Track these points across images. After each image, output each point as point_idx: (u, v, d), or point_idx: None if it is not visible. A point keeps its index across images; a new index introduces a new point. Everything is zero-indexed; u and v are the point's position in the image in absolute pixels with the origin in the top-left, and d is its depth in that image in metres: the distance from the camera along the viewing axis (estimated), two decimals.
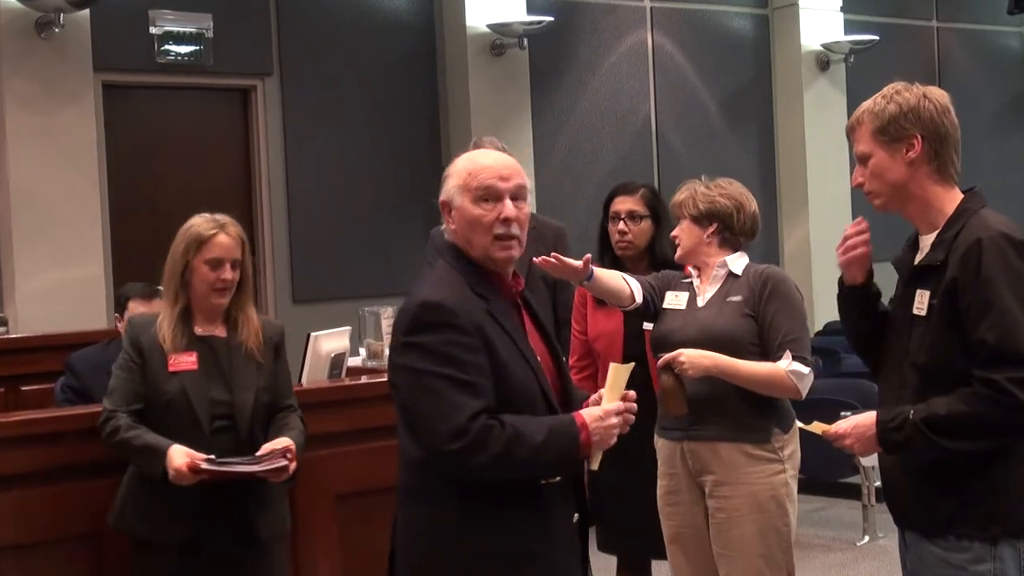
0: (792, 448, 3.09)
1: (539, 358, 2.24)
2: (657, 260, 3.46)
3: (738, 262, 3.16)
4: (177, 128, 6.81)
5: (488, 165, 2.25)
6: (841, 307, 2.47)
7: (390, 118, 7.40)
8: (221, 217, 2.98)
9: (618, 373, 2.26)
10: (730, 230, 3.17)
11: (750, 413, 3.03)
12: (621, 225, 3.51)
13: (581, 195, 8.00)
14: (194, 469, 2.72)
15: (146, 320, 2.96)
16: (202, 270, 2.92)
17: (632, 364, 2.31)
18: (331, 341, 3.76)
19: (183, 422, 2.83)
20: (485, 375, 2.12)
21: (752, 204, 3.21)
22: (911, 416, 2.22)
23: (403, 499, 2.25)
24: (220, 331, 2.95)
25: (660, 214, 3.50)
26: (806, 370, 3.00)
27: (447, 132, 7.59)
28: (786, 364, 3.00)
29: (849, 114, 2.41)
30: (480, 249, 2.23)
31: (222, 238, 2.93)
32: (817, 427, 2.40)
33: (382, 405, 3.15)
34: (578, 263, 3.01)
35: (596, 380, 3.52)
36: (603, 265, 3.59)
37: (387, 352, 4.23)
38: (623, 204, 3.52)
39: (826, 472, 5.63)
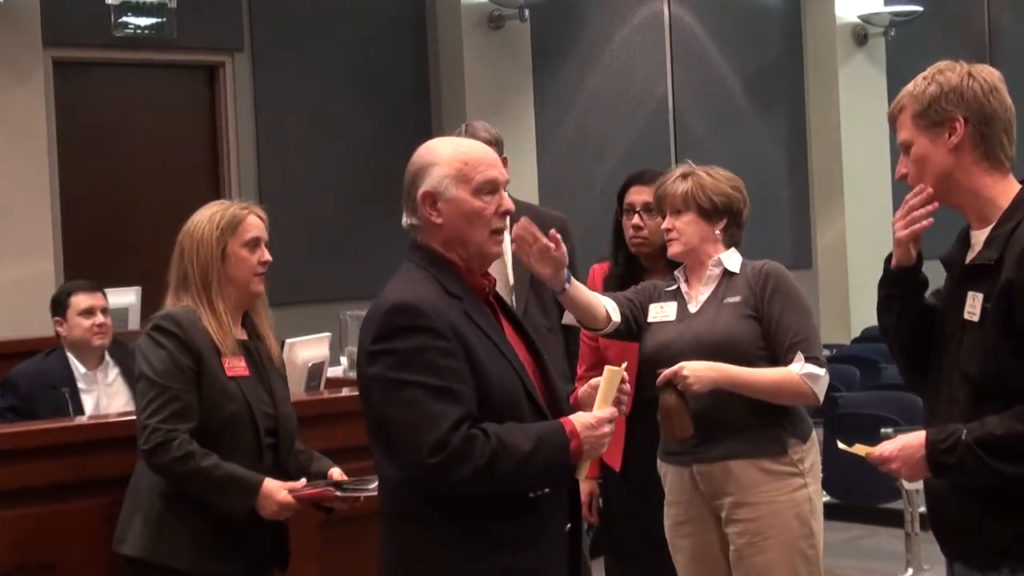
0: (812, 460, 3.09)
1: (520, 358, 2.28)
2: (675, 260, 3.45)
3: (733, 259, 3.16)
4: (136, 110, 6.81)
5: (482, 155, 2.30)
6: (882, 297, 2.42)
7: (374, 101, 7.40)
8: (241, 201, 3.01)
9: (612, 376, 2.29)
10: (738, 226, 3.18)
11: (762, 424, 3.02)
12: (636, 219, 3.49)
13: (589, 185, 8.00)
14: (299, 499, 2.74)
15: (188, 316, 2.83)
16: (240, 254, 2.90)
17: (626, 364, 2.36)
18: (308, 349, 3.75)
19: (241, 440, 2.80)
20: (465, 380, 2.15)
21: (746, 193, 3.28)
22: (964, 436, 2.20)
23: (387, 525, 2.25)
24: (245, 336, 2.95)
25: None
26: (821, 371, 3.01)
27: (439, 115, 7.59)
28: (799, 367, 3.00)
29: (890, 94, 2.42)
30: (475, 244, 2.28)
31: (254, 218, 2.95)
32: (860, 449, 2.39)
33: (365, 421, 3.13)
34: (551, 245, 2.88)
35: None
36: (616, 263, 3.57)
37: None
38: (639, 195, 3.51)
39: (865, 497, 5.63)
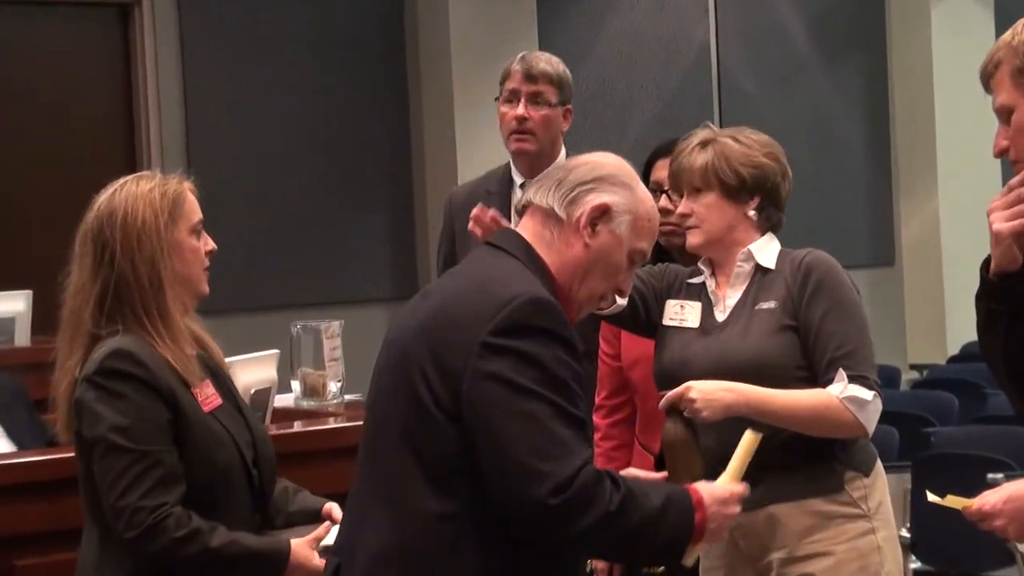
0: (879, 498, 3.09)
1: None
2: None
3: (768, 249, 3.13)
4: (29, 61, 6.82)
5: (656, 228, 2.46)
6: (983, 313, 2.42)
7: (336, 53, 7.41)
8: (164, 174, 2.91)
9: (752, 443, 2.43)
10: (776, 205, 3.17)
11: (809, 455, 3.00)
12: (663, 200, 3.50)
13: (610, 152, 8.00)
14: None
15: (142, 348, 2.69)
16: (190, 244, 2.80)
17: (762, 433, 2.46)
18: (251, 371, 3.75)
19: (235, 492, 2.75)
20: (588, 415, 2.26)
21: (787, 163, 3.26)
22: None
23: (396, 568, 2.25)
24: (194, 348, 2.90)
25: None
26: (869, 395, 2.98)
27: (416, 72, 7.59)
28: (839, 389, 2.96)
29: (1000, 34, 2.41)
30: (590, 294, 2.40)
31: (191, 196, 2.84)
32: (955, 502, 2.40)
33: (323, 464, 3.14)
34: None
35: (634, 426, 3.52)
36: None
37: (330, 387, 4.28)
38: (666, 171, 3.52)
39: (968, 561, 5.62)
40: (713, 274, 3.14)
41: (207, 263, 2.84)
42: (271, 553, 2.71)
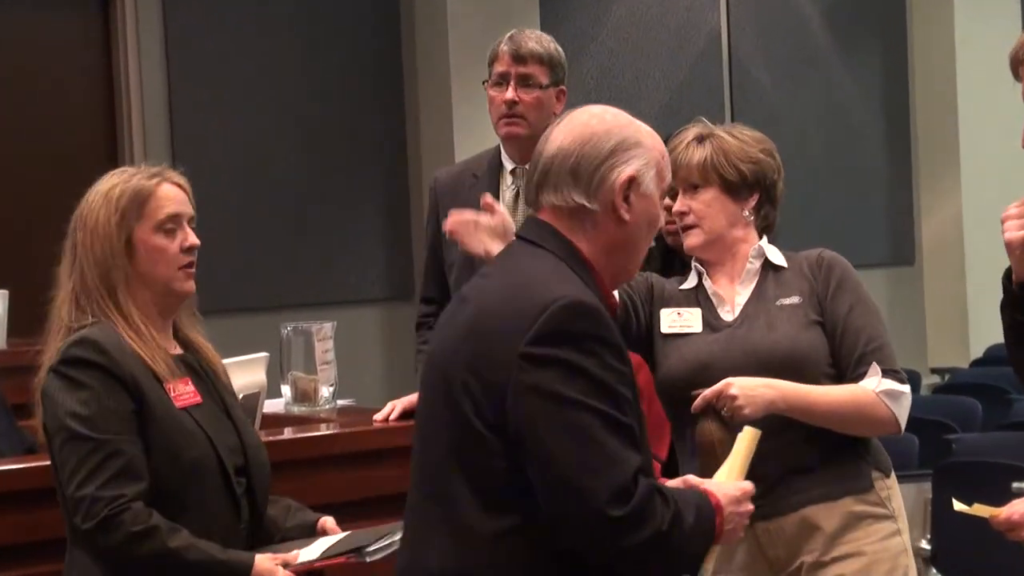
0: (899, 501, 3.18)
1: None
2: None
3: (773, 248, 3.20)
4: (5, 52, 6.81)
5: (666, 152, 2.45)
6: (1008, 325, 2.44)
7: (328, 43, 7.41)
8: (150, 166, 2.94)
9: (751, 439, 2.51)
10: (772, 203, 3.20)
11: (839, 456, 3.06)
12: (668, 199, 3.51)
13: None
14: (296, 572, 2.74)
15: (111, 337, 2.75)
16: (153, 243, 2.83)
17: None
18: (240, 374, 3.74)
19: (209, 494, 2.77)
20: (638, 418, 2.26)
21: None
22: None
23: None
24: (176, 348, 2.92)
25: None
26: (904, 388, 3.07)
27: (412, 64, 7.59)
28: (875, 383, 3.04)
29: None
30: (637, 260, 2.44)
31: (169, 188, 2.87)
32: (981, 510, 2.41)
33: (315, 473, 3.14)
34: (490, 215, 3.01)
35: None
36: (648, 259, 3.58)
37: (322, 392, 4.28)
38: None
39: (992, 573, 5.63)
40: (709, 276, 3.17)
41: (184, 260, 2.85)
42: (233, 564, 2.71)
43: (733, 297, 3.14)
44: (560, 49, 3.98)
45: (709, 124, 3.22)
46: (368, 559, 2.77)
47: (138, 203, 2.82)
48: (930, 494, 5.05)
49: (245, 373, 3.78)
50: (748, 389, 2.94)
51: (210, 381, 2.91)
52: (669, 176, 2.43)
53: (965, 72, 9.07)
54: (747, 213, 3.14)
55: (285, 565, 2.74)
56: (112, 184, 2.85)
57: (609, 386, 2.21)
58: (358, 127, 7.47)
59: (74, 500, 2.67)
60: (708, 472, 2.77)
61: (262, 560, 2.73)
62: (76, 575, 2.77)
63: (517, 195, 3.98)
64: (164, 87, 7.05)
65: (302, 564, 2.75)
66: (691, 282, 3.19)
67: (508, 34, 3.99)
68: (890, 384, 3.04)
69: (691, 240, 3.14)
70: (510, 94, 3.87)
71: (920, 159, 9.31)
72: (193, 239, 2.86)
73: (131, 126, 7.00)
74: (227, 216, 7.03)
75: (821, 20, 8.96)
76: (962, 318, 9.12)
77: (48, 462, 2.84)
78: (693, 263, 3.20)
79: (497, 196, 3.98)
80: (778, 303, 3.10)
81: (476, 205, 3.98)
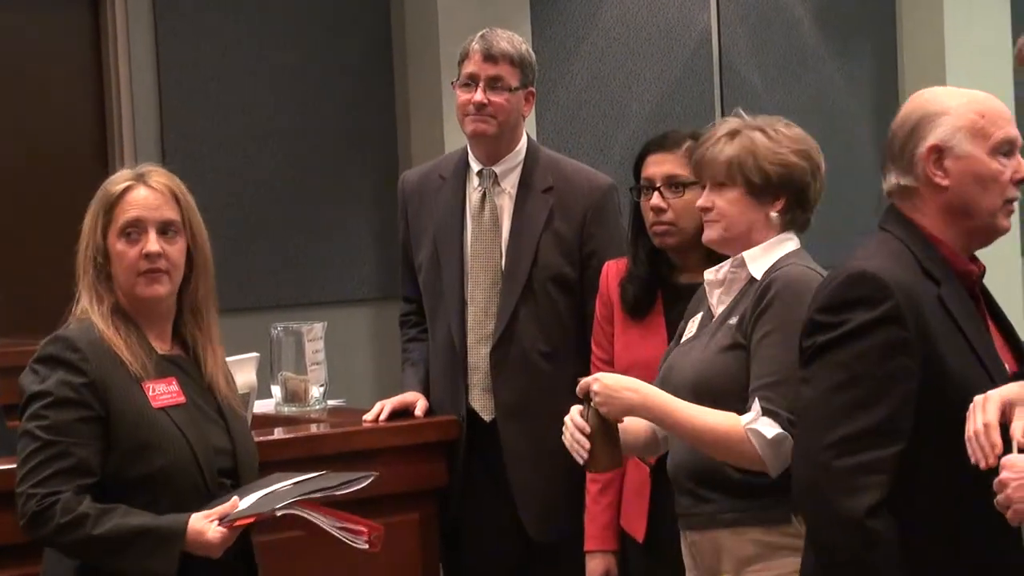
0: None
1: (1005, 367, 2.50)
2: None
3: (766, 256, 3.03)
4: None
5: (1000, 109, 2.59)
6: None
7: (318, 41, 7.40)
8: (147, 166, 2.97)
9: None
10: (803, 207, 3.10)
11: (760, 482, 2.94)
12: (656, 198, 3.50)
13: (604, 152, 8.01)
14: (230, 528, 2.75)
15: (88, 334, 2.80)
16: (116, 248, 2.89)
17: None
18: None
19: (181, 491, 2.81)
20: (909, 379, 2.42)
21: (822, 159, 3.20)
22: None
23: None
24: (177, 350, 2.94)
25: None
26: (771, 432, 2.85)
27: (403, 62, 7.59)
28: (748, 418, 2.89)
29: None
30: (985, 214, 2.55)
31: (139, 193, 2.89)
32: None
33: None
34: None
35: None
36: (636, 261, 3.57)
37: (313, 392, 4.28)
38: (659, 166, 3.52)
39: None
40: (718, 280, 3.15)
41: (143, 267, 2.86)
42: (166, 528, 2.73)
43: (719, 305, 3.09)
44: (531, 52, 3.98)
45: (745, 119, 3.11)
46: (328, 522, 2.82)
47: (106, 208, 2.88)
48: None
49: (235, 373, 3.78)
50: (611, 389, 2.93)
51: (203, 383, 2.92)
52: (999, 129, 2.53)
53: (954, 74, 9.08)
54: (774, 216, 3.03)
55: (223, 518, 2.76)
56: (103, 186, 2.89)
57: (875, 347, 2.44)
58: (349, 126, 7.46)
59: (16, 496, 2.75)
60: (591, 455, 2.99)
61: (195, 519, 2.74)
62: (48, 567, 2.82)
63: (484, 196, 3.97)
64: (154, 86, 7.04)
65: (239, 515, 2.77)
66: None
67: (479, 33, 3.98)
68: (763, 425, 2.85)
69: (709, 234, 3.08)
70: (479, 96, 3.86)
71: None
72: (151, 246, 2.87)
73: (121, 125, 6.99)
74: (217, 215, 6.98)
75: (812, 21, 8.96)
76: None
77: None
78: (708, 274, 3.14)
79: (463, 197, 3.97)
80: (729, 321, 3.01)
81: (441, 207, 3.99)
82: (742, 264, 3.02)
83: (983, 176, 2.53)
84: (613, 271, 3.64)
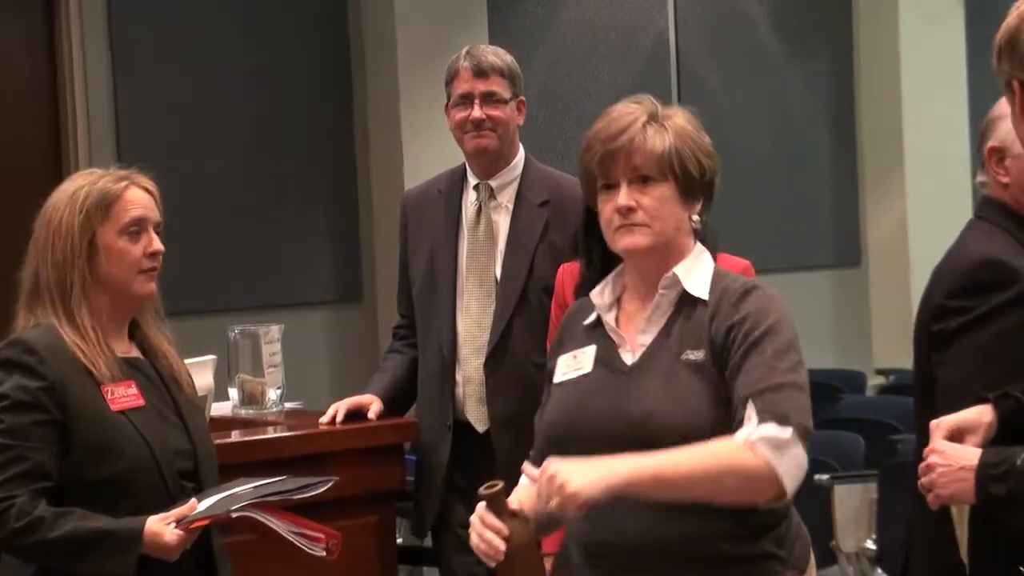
0: None
1: None
2: None
3: (697, 270, 2.62)
4: None
5: None
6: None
7: (274, 40, 7.39)
8: (116, 168, 2.98)
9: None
10: (708, 208, 2.71)
11: (745, 552, 2.51)
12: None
13: (563, 153, 8.02)
14: (187, 530, 2.74)
15: (46, 338, 2.78)
16: (117, 246, 2.89)
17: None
18: None
19: (143, 497, 2.80)
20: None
21: None
22: (1020, 462, 2.32)
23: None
24: (135, 352, 2.93)
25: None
26: (784, 434, 2.39)
27: (361, 61, 7.58)
28: (748, 430, 2.40)
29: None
30: None
31: (136, 193, 2.92)
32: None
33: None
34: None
35: None
36: (590, 264, 3.56)
37: (269, 395, 4.26)
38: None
39: None
40: (616, 304, 2.69)
41: (147, 265, 2.89)
42: (124, 531, 2.74)
43: (637, 336, 2.61)
44: (515, 62, 4.01)
45: (655, 101, 2.67)
46: (287, 529, 2.82)
47: (104, 205, 2.87)
48: (875, 495, 5.09)
49: (192, 376, 3.78)
50: (575, 477, 2.33)
51: (162, 385, 2.92)
52: None
53: (909, 75, 9.14)
54: (695, 219, 2.64)
55: (181, 520, 2.76)
56: (78, 185, 2.89)
57: (1005, 326, 2.57)
58: (306, 128, 7.45)
59: None
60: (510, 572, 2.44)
61: (152, 522, 2.75)
62: (8, 573, 2.81)
63: (479, 210, 4.00)
64: (109, 88, 7.01)
65: (196, 517, 2.77)
66: (592, 315, 2.70)
67: (464, 50, 4.00)
68: (768, 429, 2.38)
69: (637, 239, 2.58)
70: (477, 112, 3.89)
71: (866, 161, 9.37)
72: (157, 245, 2.94)
73: (75, 127, 6.95)
74: (173, 217, 6.93)
75: (768, 22, 9.00)
76: (907, 319, 9.10)
77: None
78: (595, 293, 2.70)
79: (459, 211, 4.00)
80: (684, 356, 2.53)
81: (440, 219, 4.02)
82: (675, 283, 2.59)
83: None
84: (568, 274, 3.64)
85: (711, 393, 2.50)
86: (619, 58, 8.45)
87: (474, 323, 3.95)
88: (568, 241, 3.77)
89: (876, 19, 9.24)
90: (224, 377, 4.22)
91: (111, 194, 2.89)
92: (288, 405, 4.33)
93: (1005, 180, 2.73)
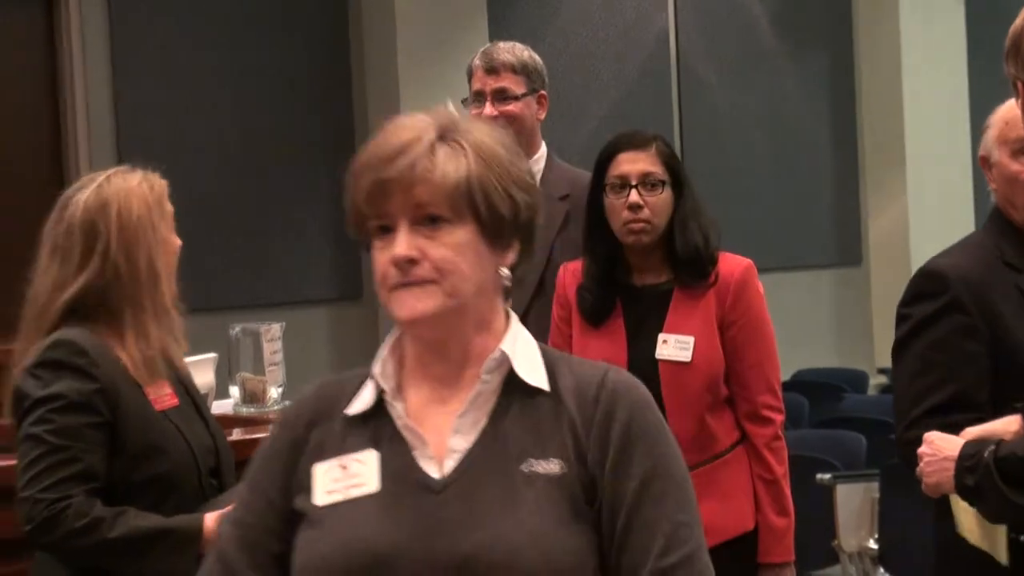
0: None
1: None
2: (677, 254, 3.47)
3: (524, 347, 1.88)
4: None
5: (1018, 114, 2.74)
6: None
7: (274, 38, 7.39)
8: (126, 169, 3.01)
9: None
10: (526, 257, 1.94)
11: None
12: (633, 195, 3.49)
13: (564, 148, 7.99)
14: None
15: (90, 338, 2.75)
16: (172, 240, 2.97)
17: None
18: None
19: (183, 495, 2.79)
20: (970, 361, 2.63)
21: None
22: (987, 455, 2.40)
23: None
24: (152, 351, 2.94)
25: (681, 179, 3.52)
26: None
27: (361, 61, 7.58)
28: None
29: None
30: (1021, 211, 2.77)
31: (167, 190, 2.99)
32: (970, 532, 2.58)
33: None
34: None
35: None
36: (594, 261, 3.57)
37: (271, 393, 4.26)
38: (633, 164, 3.50)
39: None
40: (405, 384, 1.88)
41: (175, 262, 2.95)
42: (185, 529, 2.72)
43: (445, 439, 1.82)
44: (536, 56, 3.99)
45: (452, 112, 1.94)
46: None
47: (164, 201, 2.92)
48: (877, 493, 5.09)
49: (193, 374, 3.78)
50: None
51: (181, 383, 2.93)
52: (1014, 131, 2.73)
53: (910, 74, 9.15)
54: (504, 272, 1.87)
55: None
56: (137, 181, 2.90)
57: (937, 336, 2.70)
58: (306, 126, 7.45)
59: (20, 500, 2.69)
60: None
61: (210, 519, 2.74)
62: (43, 572, 2.79)
63: None
64: (109, 86, 7.01)
65: None
66: (366, 399, 1.87)
67: (482, 48, 4.01)
68: None
69: (421, 303, 1.80)
70: (488, 110, 3.89)
71: (867, 160, 9.37)
72: (179, 241, 3.05)
73: (76, 125, 6.95)
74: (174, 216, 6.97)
75: (769, 21, 9.00)
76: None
77: (7, 463, 2.85)
78: (377, 367, 1.89)
79: None
80: (525, 466, 1.78)
81: None
82: (501, 363, 1.84)
83: (1007, 178, 2.77)
84: (570, 272, 3.64)
85: (567, 520, 1.76)
86: (619, 57, 8.45)
87: None
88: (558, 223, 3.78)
89: (876, 18, 9.24)
90: (225, 375, 4.22)
91: (164, 191, 2.97)
92: (289, 403, 4.33)
93: (993, 187, 2.82)
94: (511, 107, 3.92)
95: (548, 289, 3.86)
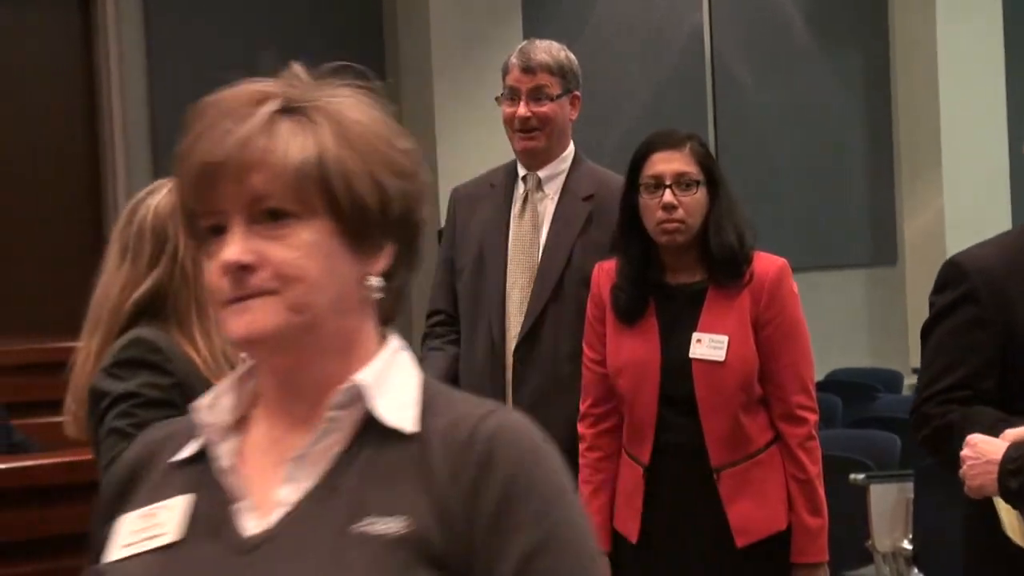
0: None
1: None
2: (712, 253, 3.47)
3: (402, 388, 1.52)
4: None
5: None
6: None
7: (308, 38, 7.41)
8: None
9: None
10: (407, 263, 1.58)
11: None
12: (667, 196, 3.49)
13: (595, 152, 7.98)
14: None
15: (159, 336, 2.75)
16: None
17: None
18: None
19: None
20: (976, 351, 2.76)
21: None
22: None
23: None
24: None
25: (716, 178, 3.52)
26: None
27: (395, 62, 7.59)
28: None
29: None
30: None
31: None
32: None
33: None
34: None
35: (620, 436, 3.53)
36: (628, 260, 3.57)
37: None
38: (668, 163, 3.51)
39: None
40: (245, 422, 1.54)
41: None
42: None
43: (272, 485, 1.48)
44: (572, 56, 4.00)
45: (307, 74, 1.70)
46: None
47: None
48: (911, 494, 5.07)
49: None
50: None
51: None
52: None
53: (947, 72, 9.10)
54: (373, 282, 1.50)
55: None
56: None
57: (951, 324, 2.84)
58: None
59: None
60: None
61: None
62: None
63: (526, 199, 4.03)
64: (145, 86, 7.04)
65: None
66: (194, 444, 1.54)
67: (519, 46, 4.02)
68: None
69: (258, 320, 1.44)
70: (522, 110, 3.91)
71: (902, 159, 9.34)
72: None
73: (112, 125, 6.99)
74: None
75: (804, 19, 8.98)
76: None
77: (17, 464, 2.87)
78: (204, 400, 1.54)
79: (510, 202, 4.03)
80: (359, 525, 1.42)
81: (491, 210, 4.04)
82: (355, 400, 1.48)
83: None
84: (604, 272, 3.64)
85: None
86: (653, 55, 8.44)
87: (516, 310, 3.96)
88: (609, 237, 3.77)
89: (912, 15, 9.20)
90: None
91: None
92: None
93: None
94: (545, 108, 3.93)
95: (567, 290, 3.86)
